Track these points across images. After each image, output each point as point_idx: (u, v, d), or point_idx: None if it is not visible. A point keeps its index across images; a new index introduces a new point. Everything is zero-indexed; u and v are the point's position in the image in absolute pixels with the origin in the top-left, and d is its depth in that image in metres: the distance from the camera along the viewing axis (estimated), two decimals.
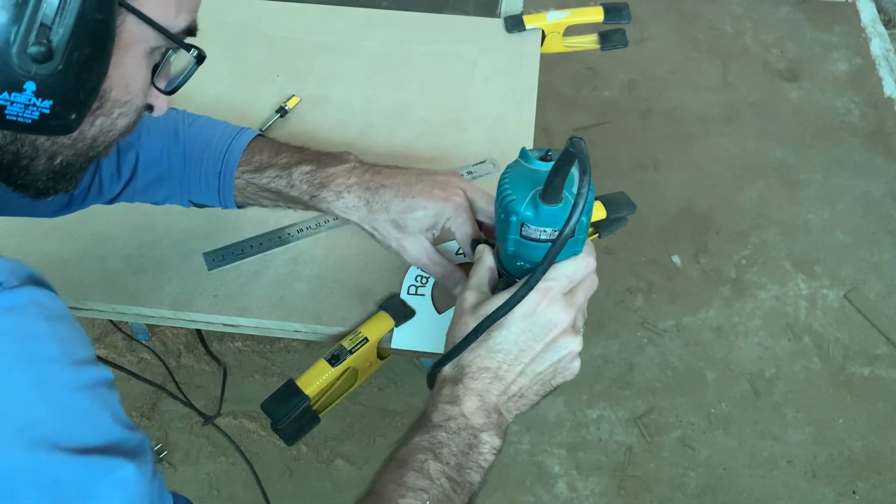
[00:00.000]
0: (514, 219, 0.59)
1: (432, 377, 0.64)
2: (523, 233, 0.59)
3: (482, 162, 0.93)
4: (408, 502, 0.55)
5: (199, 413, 1.33)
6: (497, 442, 0.61)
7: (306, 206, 0.76)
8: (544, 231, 0.59)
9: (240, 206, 0.79)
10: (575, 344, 0.61)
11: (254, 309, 0.80)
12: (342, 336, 0.76)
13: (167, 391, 1.17)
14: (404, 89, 1.02)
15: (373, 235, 0.75)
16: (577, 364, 0.62)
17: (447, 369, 0.62)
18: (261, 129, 0.96)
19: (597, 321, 1.61)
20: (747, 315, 1.62)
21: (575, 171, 0.58)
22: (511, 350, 0.60)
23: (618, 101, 2.01)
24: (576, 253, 0.61)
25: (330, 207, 0.74)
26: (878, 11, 2.22)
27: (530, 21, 1.08)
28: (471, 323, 0.60)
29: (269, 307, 0.81)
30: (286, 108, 0.97)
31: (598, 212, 0.87)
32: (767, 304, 1.63)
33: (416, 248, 0.74)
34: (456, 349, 0.60)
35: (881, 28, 2.17)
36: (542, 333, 0.60)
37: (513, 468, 1.43)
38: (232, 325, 0.82)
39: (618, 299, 1.64)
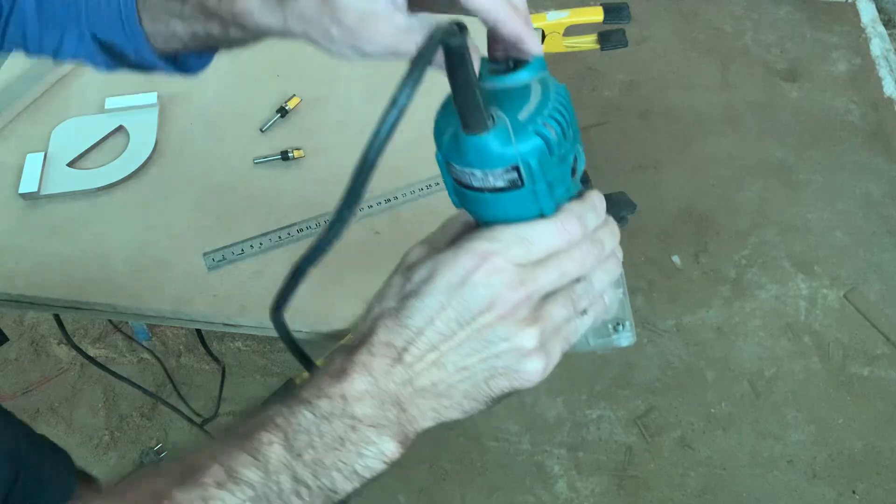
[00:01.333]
0: (439, 156, 0.45)
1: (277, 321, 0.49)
2: (455, 176, 0.44)
3: None
4: (219, 496, 0.39)
5: (192, 419, 1.33)
6: (390, 447, 0.42)
7: (222, 21, 0.52)
8: (473, 174, 0.42)
9: (152, 42, 0.56)
10: (522, 337, 0.42)
11: (254, 309, 0.80)
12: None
13: (161, 399, 1.17)
14: None
15: (320, 43, 0.53)
16: (531, 366, 0.43)
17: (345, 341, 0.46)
18: (261, 129, 0.96)
19: None
20: (747, 315, 1.62)
21: (537, 84, 0.43)
22: (423, 329, 0.42)
23: (618, 101, 2.01)
24: (544, 213, 0.43)
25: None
26: (878, 11, 2.22)
27: None
28: (395, 281, 0.46)
29: (269, 307, 0.80)
30: (286, 108, 0.97)
31: None
32: (767, 304, 1.63)
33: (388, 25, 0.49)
34: (278, 295, 0.47)
35: (881, 28, 2.17)
36: (467, 313, 0.42)
37: (512, 468, 1.43)
38: (232, 325, 0.82)
39: None
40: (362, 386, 0.42)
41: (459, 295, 0.42)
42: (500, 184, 0.41)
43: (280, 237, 0.86)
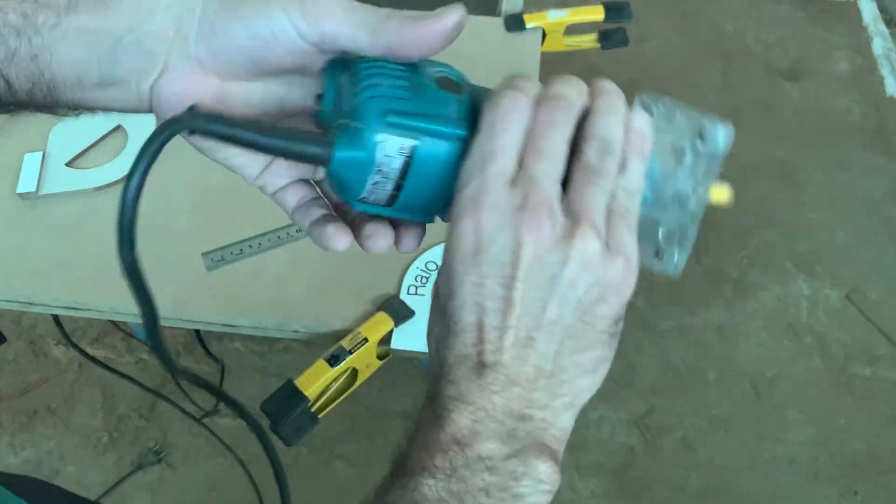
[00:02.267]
0: (358, 206, 0.39)
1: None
2: (377, 199, 0.38)
3: None
4: None
5: (192, 414, 1.33)
6: (543, 469, 0.34)
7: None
8: (375, 183, 0.36)
9: None
10: (577, 250, 0.34)
11: (253, 309, 0.80)
12: (342, 336, 0.75)
13: (162, 396, 1.17)
14: None
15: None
16: (612, 270, 0.35)
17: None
18: None
19: None
20: (749, 315, 1.61)
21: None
22: (478, 320, 0.34)
23: None
24: (460, 135, 0.36)
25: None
26: (880, 11, 2.21)
27: (531, 20, 1.07)
28: (432, 313, 0.38)
29: (269, 307, 0.80)
30: None
31: None
32: (769, 305, 1.63)
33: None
34: None
35: (883, 27, 2.16)
36: (506, 269, 0.34)
37: None
38: (231, 326, 0.81)
39: None
40: (467, 419, 0.34)
41: (484, 262, 0.34)
42: (398, 163, 0.35)
43: (279, 237, 0.85)
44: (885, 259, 1.69)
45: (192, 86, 0.37)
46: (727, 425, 1.47)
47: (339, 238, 0.40)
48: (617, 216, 0.36)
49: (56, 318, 1.01)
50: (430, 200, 0.37)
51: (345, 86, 0.36)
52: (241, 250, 0.84)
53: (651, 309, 1.62)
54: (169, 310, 0.80)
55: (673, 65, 2.09)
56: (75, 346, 1.05)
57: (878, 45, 2.11)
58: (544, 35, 1.08)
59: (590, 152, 0.35)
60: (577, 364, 0.37)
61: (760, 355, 1.56)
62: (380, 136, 0.34)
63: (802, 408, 1.49)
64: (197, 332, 1.26)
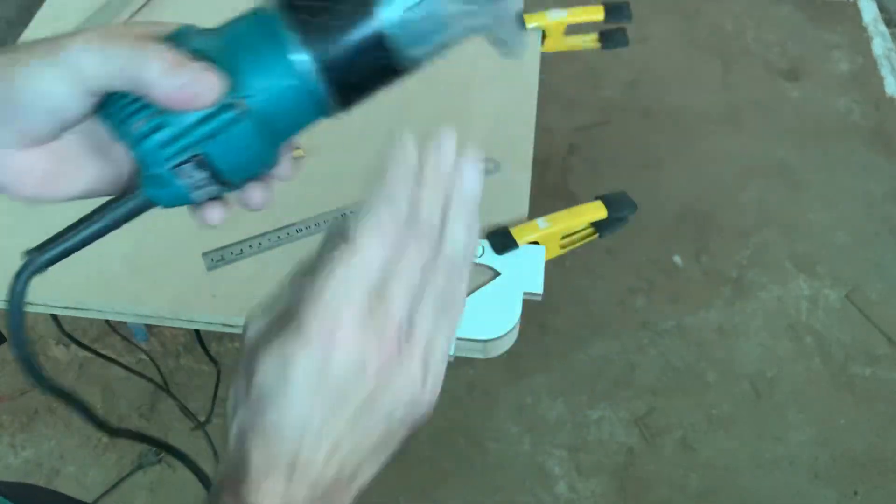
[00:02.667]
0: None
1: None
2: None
3: (482, 162, 0.93)
4: None
5: (191, 419, 1.33)
6: None
7: None
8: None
9: None
10: (406, 377, 0.36)
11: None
12: None
13: (167, 391, 1.17)
14: (404, 89, 1.01)
15: None
16: (426, 396, 0.38)
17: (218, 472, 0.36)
18: None
19: (598, 321, 1.60)
20: (749, 315, 1.61)
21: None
22: (301, 436, 0.34)
23: (619, 100, 2.00)
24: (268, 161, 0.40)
25: None
26: (880, 11, 2.21)
27: (531, 20, 1.07)
28: (241, 384, 0.36)
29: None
30: None
31: (599, 212, 0.86)
32: (769, 305, 1.63)
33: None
34: None
35: (883, 27, 2.16)
36: (343, 394, 0.35)
37: (513, 469, 1.42)
38: (231, 326, 0.81)
39: (619, 299, 1.64)
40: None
41: (325, 385, 0.34)
42: (202, 173, 0.37)
43: (280, 237, 0.85)
44: (885, 259, 1.69)
45: (16, 162, 0.37)
46: (727, 425, 1.47)
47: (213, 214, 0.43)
48: (437, 345, 0.38)
49: (55, 317, 1.01)
50: (253, 164, 0.40)
51: (118, 126, 0.37)
52: (242, 250, 0.84)
53: (651, 309, 1.62)
54: (169, 310, 0.80)
55: (673, 65, 2.09)
56: (78, 342, 1.05)
57: (878, 45, 2.11)
58: (544, 35, 1.08)
59: (430, 284, 0.37)
60: (373, 464, 0.38)
61: (760, 355, 1.56)
62: (168, 172, 0.36)
63: (802, 408, 1.49)
64: (197, 332, 1.26)
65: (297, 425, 0.34)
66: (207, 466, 1.47)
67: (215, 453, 1.43)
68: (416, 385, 0.37)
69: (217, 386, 1.32)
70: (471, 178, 0.40)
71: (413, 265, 0.36)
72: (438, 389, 0.38)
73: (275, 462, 0.34)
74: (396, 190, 0.38)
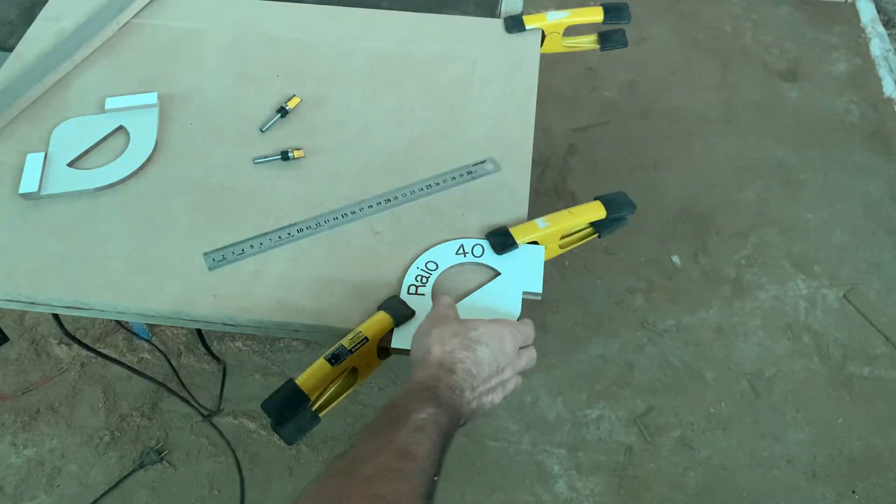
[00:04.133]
0: None
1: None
2: None
3: (482, 162, 0.93)
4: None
5: (199, 410, 1.34)
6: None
7: None
8: None
9: None
10: (515, 376, 0.72)
11: (254, 309, 0.80)
12: (342, 336, 0.76)
13: (168, 388, 1.17)
14: (404, 89, 1.02)
15: None
16: (511, 386, 0.72)
17: (436, 352, 0.68)
18: (261, 129, 0.96)
19: (597, 321, 1.61)
20: (747, 315, 1.62)
21: None
22: (483, 374, 0.68)
23: (618, 101, 2.01)
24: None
25: None
26: (878, 11, 2.22)
27: (530, 21, 1.08)
28: (455, 329, 0.70)
29: (269, 307, 0.81)
30: (286, 108, 0.97)
31: (598, 212, 0.87)
32: (767, 304, 1.63)
33: None
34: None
35: (881, 28, 2.17)
36: (500, 362, 0.70)
37: (512, 468, 1.43)
38: (232, 325, 0.82)
39: (618, 299, 1.64)
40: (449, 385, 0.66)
41: (499, 352, 0.70)
42: None
43: (280, 237, 0.86)
44: (882, 258, 1.70)
45: None
46: (725, 424, 1.48)
47: None
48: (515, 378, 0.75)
49: (56, 316, 1.02)
50: None
51: None
52: (243, 250, 0.84)
53: (650, 309, 1.63)
54: (171, 309, 0.80)
55: (671, 65, 2.09)
56: (79, 342, 1.05)
57: (876, 46, 2.12)
58: (544, 36, 1.09)
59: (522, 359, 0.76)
60: (489, 400, 0.70)
61: (759, 355, 1.56)
62: None
63: (800, 407, 1.50)
64: (198, 331, 1.26)
65: (484, 368, 0.68)
66: (209, 464, 1.48)
67: (228, 443, 1.43)
68: (511, 382, 0.72)
69: (224, 381, 1.33)
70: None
71: (527, 360, 0.75)
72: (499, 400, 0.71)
73: (474, 370, 0.67)
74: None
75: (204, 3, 1.10)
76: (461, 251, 0.84)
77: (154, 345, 1.57)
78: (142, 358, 1.57)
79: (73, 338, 1.04)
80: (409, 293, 0.80)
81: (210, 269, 0.83)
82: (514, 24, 1.08)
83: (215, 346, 1.57)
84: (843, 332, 1.59)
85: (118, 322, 1.56)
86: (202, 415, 1.41)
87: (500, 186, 0.91)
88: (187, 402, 1.29)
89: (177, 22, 1.08)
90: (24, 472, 1.43)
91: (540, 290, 0.82)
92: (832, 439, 1.46)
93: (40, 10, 1.10)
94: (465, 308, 0.79)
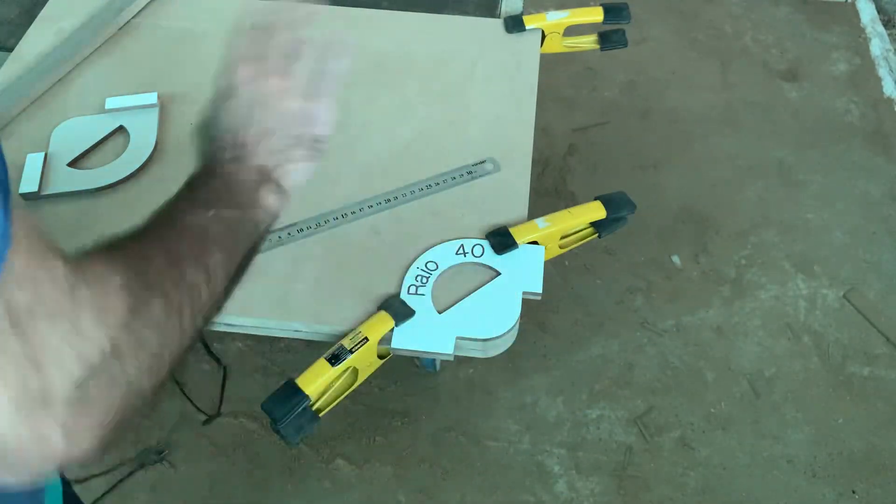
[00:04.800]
0: None
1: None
2: None
3: (482, 162, 0.94)
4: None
5: (202, 411, 1.34)
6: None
7: None
8: None
9: None
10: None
11: (254, 309, 0.80)
12: (342, 336, 0.76)
13: (178, 384, 1.17)
14: (404, 89, 1.02)
15: None
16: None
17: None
18: None
19: (597, 321, 1.61)
20: (747, 315, 1.62)
21: None
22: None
23: (618, 101, 2.01)
24: None
25: None
26: (878, 12, 2.22)
27: (530, 21, 1.08)
28: None
29: (270, 307, 0.81)
30: None
31: (598, 212, 0.87)
32: (767, 304, 1.63)
33: None
34: None
35: (881, 28, 2.17)
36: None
37: (512, 468, 1.43)
38: (233, 325, 0.82)
39: (617, 299, 1.64)
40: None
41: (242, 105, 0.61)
42: None
43: (280, 237, 0.86)
44: (882, 259, 1.70)
45: None
46: (725, 424, 1.48)
47: None
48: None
49: None
50: None
51: None
52: None
53: (650, 309, 1.63)
54: None
55: (671, 66, 2.09)
56: None
57: (876, 46, 2.12)
58: (544, 36, 1.09)
59: None
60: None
61: (759, 355, 1.56)
62: None
63: (800, 407, 1.50)
64: None
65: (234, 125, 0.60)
66: (209, 464, 1.48)
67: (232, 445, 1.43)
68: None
69: (224, 384, 1.33)
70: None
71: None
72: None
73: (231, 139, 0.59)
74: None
75: (204, 3, 1.10)
76: (461, 251, 0.84)
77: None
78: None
79: None
80: (409, 293, 0.80)
81: None
82: (514, 24, 1.08)
83: (215, 346, 1.57)
84: (843, 332, 1.59)
85: None
86: (207, 415, 1.41)
87: (500, 186, 0.91)
88: (191, 400, 1.29)
89: (177, 22, 1.08)
90: None
91: (540, 290, 0.82)
92: (832, 439, 1.46)
93: (40, 10, 1.10)
94: (465, 308, 0.79)
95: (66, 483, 0.73)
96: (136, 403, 0.42)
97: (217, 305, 0.51)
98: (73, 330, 0.37)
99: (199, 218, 0.53)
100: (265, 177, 0.59)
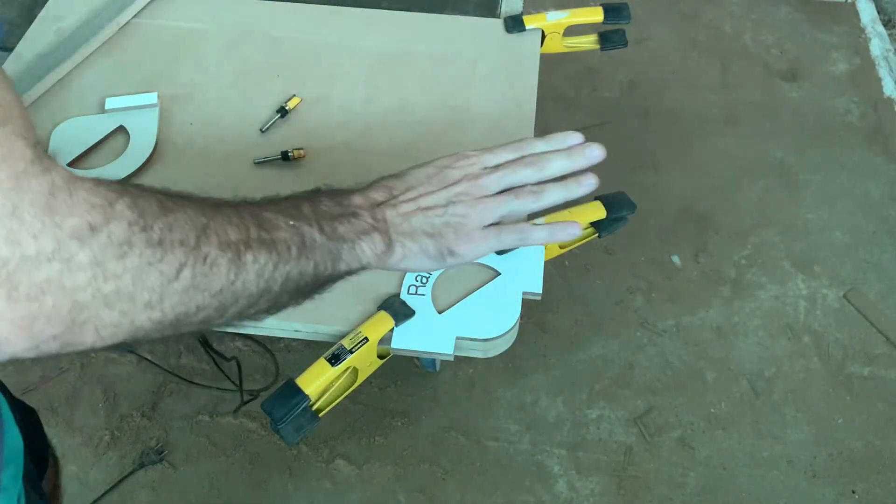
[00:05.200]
0: None
1: None
2: None
3: None
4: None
5: (241, 390, 1.32)
6: (379, 242, 0.61)
7: None
8: None
9: None
10: (473, 211, 0.63)
11: None
12: (342, 336, 0.76)
13: (196, 384, 1.16)
14: (404, 89, 1.02)
15: None
16: (468, 222, 0.63)
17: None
18: (261, 129, 0.96)
19: (597, 321, 1.61)
20: (747, 315, 1.62)
21: None
22: (409, 181, 0.64)
23: (618, 101, 2.01)
24: None
25: None
26: (878, 11, 2.22)
27: (530, 21, 1.08)
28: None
29: None
30: (286, 108, 0.97)
31: (598, 212, 0.87)
32: (767, 304, 1.63)
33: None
34: None
35: (881, 28, 2.17)
36: (444, 180, 0.64)
37: (512, 468, 1.43)
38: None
39: (617, 299, 1.64)
40: (360, 198, 0.62)
41: (441, 174, 0.65)
42: None
43: None
44: (882, 258, 1.70)
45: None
46: (725, 424, 1.48)
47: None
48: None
49: None
50: None
51: None
52: None
53: (649, 308, 1.63)
54: None
55: (671, 65, 2.09)
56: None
57: (877, 46, 2.12)
58: (544, 36, 1.09)
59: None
60: (416, 227, 0.64)
61: (758, 355, 1.56)
62: None
63: (800, 407, 1.50)
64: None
65: (412, 176, 0.65)
66: (209, 463, 1.48)
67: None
68: (467, 198, 0.64)
69: (241, 376, 1.32)
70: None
71: (505, 177, 0.67)
72: (471, 249, 0.65)
73: (388, 184, 0.65)
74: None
75: (204, 3, 1.10)
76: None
77: (154, 345, 1.57)
78: (142, 358, 1.57)
79: None
80: (409, 293, 0.80)
81: None
82: (514, 24, 1.08)
83: (215, 346, 1.57)
84: (843, 332, 1.59)
85: None
86: (242, 398, 1.38)
87: None
88: (235, 386, 1.26)
89: (177, 22, 1.08)
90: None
91: (540, 291, 0.82)
92: (832, 439, 1.46)
93: (40, 10, 1.10)
94: (465, 308, 0.79)
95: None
96: (92, 330, 0.40)
97: (240, 313, 0.50)
98: (12, 211, 0.35)
99: (272, 217, 0.54)
100: (380, 227, 0.60)
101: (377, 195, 0.62)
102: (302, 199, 0.59)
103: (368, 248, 0.60)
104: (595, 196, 0.89)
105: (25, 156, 0.36)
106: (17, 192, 0.36)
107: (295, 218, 0.55)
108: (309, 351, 1.57)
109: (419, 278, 0.82)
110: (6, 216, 0.35)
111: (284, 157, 0.93)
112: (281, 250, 0.52)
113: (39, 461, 0.93)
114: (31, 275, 0.36)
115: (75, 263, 0.38)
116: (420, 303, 0.79)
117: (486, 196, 0.64)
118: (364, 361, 0.76)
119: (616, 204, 0.87)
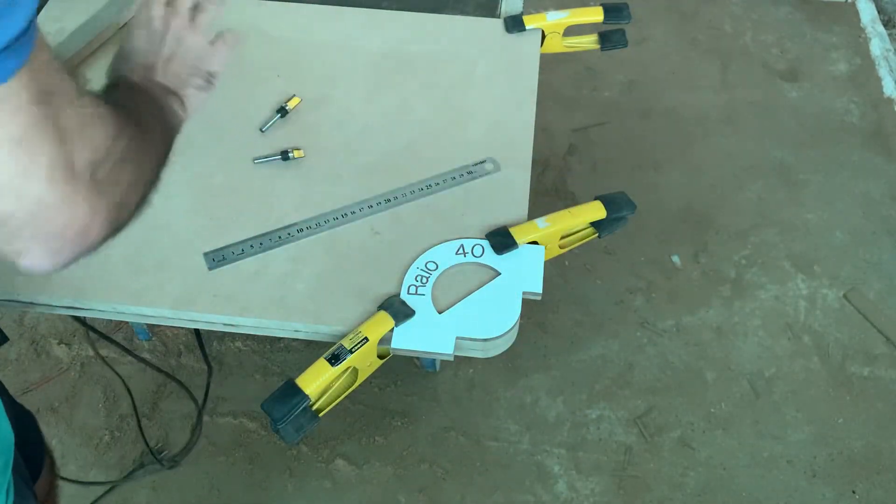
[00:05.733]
0: None
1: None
2: None
3: (482, 162, 0.93)
4: None
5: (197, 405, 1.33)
6: None
7: None
8: None
9: None
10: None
11: (254, 309, 0.80)
12: (342, 336, 0.76)
13: (175, 379, 1.17)
14: (404, 89, 1.02)
15: None
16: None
17: None
18: (261, 129, 0.96)
19: (597, 321, 1.61)
20: (747, 315, 1.62)
21: None
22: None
23: (618, 101, 2.01)
24: None
25: None
26: (878, 11, 2.22)
27: (530, 21, 1.08)
28: None
29: (269, 307, 0.81)
30: (286, 108, 0.97)
31: (598, 212, 0.87)
32: (767, 304, 1.63)
33: None
34: None
35: (881, 28, 2.17)
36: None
37: (512, 468, 1.43)
38: (232, 325, 0.82)
39: (617, 299, 1.64)
40: None
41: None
42: None
43: (280, 237, 0.86)
44: (882, 258, 1.70)
45: None
46: (725, 424, 1.48)
47: None
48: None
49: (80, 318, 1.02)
50: None
51: None
52: (243, 250, 0.84)
53: (650, 308, 1.63)
54: (170, 309, 0.80)
55: (671, 65, 2.09)
56: (93, 329, 1.05)
57: (876, 46, 2.12)
58: (544, 36, 1.09)
59: None
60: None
61: (759, 355, 1.56)
62: None
63: (800, 407, 1.50)
64: (196, 331, 1.26)
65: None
66: (209, 464, 1.48)
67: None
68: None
69: (208, 385, 1.33)
70: None
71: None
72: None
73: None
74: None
75: None
76: (461, 251, 0.84)
77: (154, 345, 1.58)
78: (142, 358, 1.57)
79: (86, 324, 1.04)
80: (409, 293, 0.80)
81: (210, 269, 0.83)
82: (514, 24, 1.08)
83: (215, 347, 1.57)
84: (843, 332, 1.59)
85: (115, 323, 1.56)
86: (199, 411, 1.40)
87: (500, 186, 0.91)
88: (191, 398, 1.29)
89: None
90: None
91: (540, 290, 0.82)
92: (832, 439, 1.46)
93: (40, 10, 1.10)
94: (465, 308, 0.79)
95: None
96: (126, 211, 0.52)
97: (157, 173, 0.60)
98: (87, 118, 0.46)
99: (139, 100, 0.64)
100: (170, 92, 0.69)
101: None
102: None
103: None
104: (595, 196, 0.89)
105: (72, 78, 0.48)
106: (81, 104, 0.47)
107: None
108: (309, 351, 1.57)
109: (419, 278, 0.82)
110: (86, 120, 0.47)
111: (284, 156, 0.93)
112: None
113: (33, 463, 0.94)
114: (105, 166, 0.47)
115: (116, 157, 0.49)
116: (420, 303, 0.79)
117: None
118: (364, 361, 0.76)
119: (616, 204, 0.87)
